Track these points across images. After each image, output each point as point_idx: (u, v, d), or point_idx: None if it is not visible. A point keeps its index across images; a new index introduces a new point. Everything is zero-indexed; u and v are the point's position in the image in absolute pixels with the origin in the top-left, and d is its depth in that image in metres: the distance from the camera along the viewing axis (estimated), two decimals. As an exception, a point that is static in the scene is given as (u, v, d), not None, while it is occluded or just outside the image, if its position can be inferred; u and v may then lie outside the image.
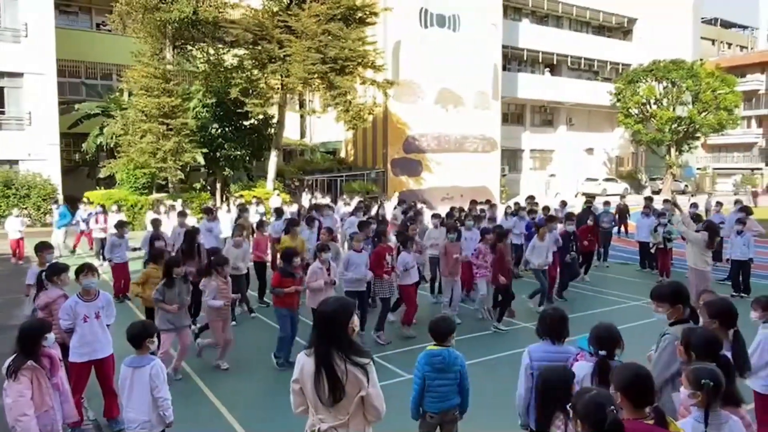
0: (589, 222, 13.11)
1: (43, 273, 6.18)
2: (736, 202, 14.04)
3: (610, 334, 3.79)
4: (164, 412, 4.38)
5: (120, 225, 11.60)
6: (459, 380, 4.44)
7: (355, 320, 3.34)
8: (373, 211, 15.28)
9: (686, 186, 42.28)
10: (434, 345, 4.48)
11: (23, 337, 4.32)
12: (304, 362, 3.28)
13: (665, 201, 12.72)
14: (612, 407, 2.54)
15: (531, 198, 15.27)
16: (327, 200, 19.01)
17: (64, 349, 5.53)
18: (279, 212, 13.58)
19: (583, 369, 3.79)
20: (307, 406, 3.34)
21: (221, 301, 7.39)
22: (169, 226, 12.70)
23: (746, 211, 12.85)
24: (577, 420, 2.64)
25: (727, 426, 3.03)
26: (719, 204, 15.78)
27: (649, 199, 15.07)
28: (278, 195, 22.41)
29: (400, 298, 9.22)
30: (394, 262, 8.77)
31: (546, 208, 14.19)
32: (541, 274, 10.20)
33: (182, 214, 12.28)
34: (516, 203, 15.86)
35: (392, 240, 9.30)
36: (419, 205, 16.62)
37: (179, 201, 18.02)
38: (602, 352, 3.70)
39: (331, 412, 3.22)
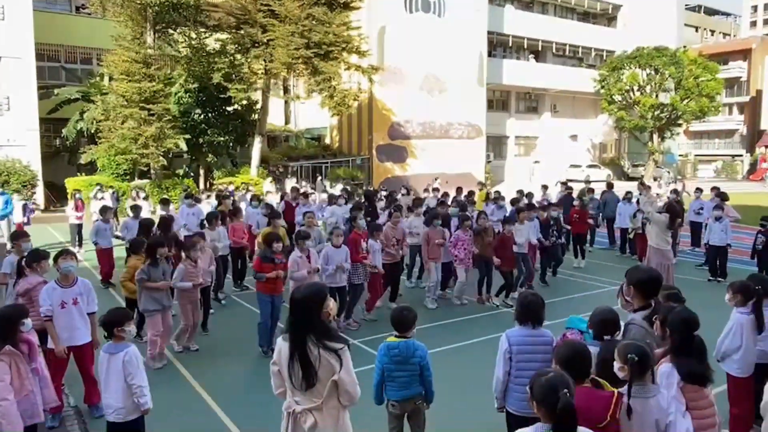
0: (575, 204, 13.22)
1: (23, 260, 6.13)
2: (713, 188, 14.28)
3: (614, 318, 3.94)
4: (139, 399, 4.35)
5: (104, 210, 11.58)
6: (420, 371, 4.37)
7: (330, 304, 3.44)
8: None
9: (668, 172, 42.72)
10: (395, 337, 4.44)
11: (0, 323, 4.30)
12: (281, 346, 3.38)
13: (640, 185, 13.06)
14: (565, 390, 2.61)
15: (497, 193, 15.37)
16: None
17: (43, 335, 5.50)
18: (257, 199, 13.71)
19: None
20: (285, 388, 3.44)
21: (189, 283, 7.48)
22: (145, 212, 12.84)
23: (722, 197, 13.06)
24: (533, 402, 2.74)
25: (654, 399, 3.20)
26: (699, 190, 15.99)
27: (609, 185, 16.18)
28: (271, 182, 22.30)
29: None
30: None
31: (530, 195, 14.28)
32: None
33: (165, 202, 12.35)
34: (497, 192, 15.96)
35: (362, 226, 9.26)
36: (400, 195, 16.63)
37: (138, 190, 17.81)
38: (607, 337, 3.83)
39: (306, 395, 3.31)
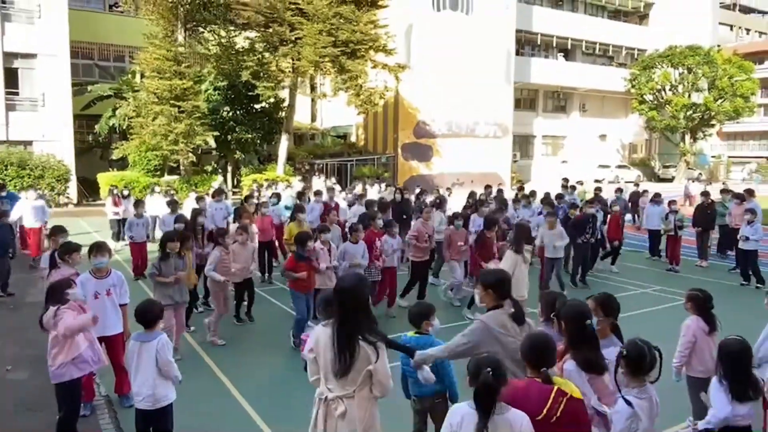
0: (615, 208, 12.86)
1: (56, 252, 6.29)
2: (726, 191, 14.09)
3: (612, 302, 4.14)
4: (173, 374, 4.51)
5: (137, 204, 11.81)
6: (435, 368, 4.28)
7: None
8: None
9: (700, 174, 41.80)
10: (413, 332, 4.44)
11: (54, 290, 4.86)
12: (319, 333, 3.48)
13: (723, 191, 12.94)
14: (488, 369, 2.87)
15: (520, 182, 15.20)
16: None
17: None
18: (278, 196, 13.80)
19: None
20: (320, 376, 3.51)
21: (221, 277, 7.61)
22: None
23: (740, 197, 13.24)
24: (467, 377, 3.00)
25: (654, 397, 3.40)
26: (726, 191, 15.62)
27: (619, 191, 15.75)
28: (300, 180, 22.47)
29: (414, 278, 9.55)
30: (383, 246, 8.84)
31: (559, 196, 14.04)
32: (548, 266, 9.96)
33: (201, 199, 12.66)
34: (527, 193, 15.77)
35: (380, 225, 9.26)
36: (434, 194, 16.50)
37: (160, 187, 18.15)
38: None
39: (340, 383, 3.40)
